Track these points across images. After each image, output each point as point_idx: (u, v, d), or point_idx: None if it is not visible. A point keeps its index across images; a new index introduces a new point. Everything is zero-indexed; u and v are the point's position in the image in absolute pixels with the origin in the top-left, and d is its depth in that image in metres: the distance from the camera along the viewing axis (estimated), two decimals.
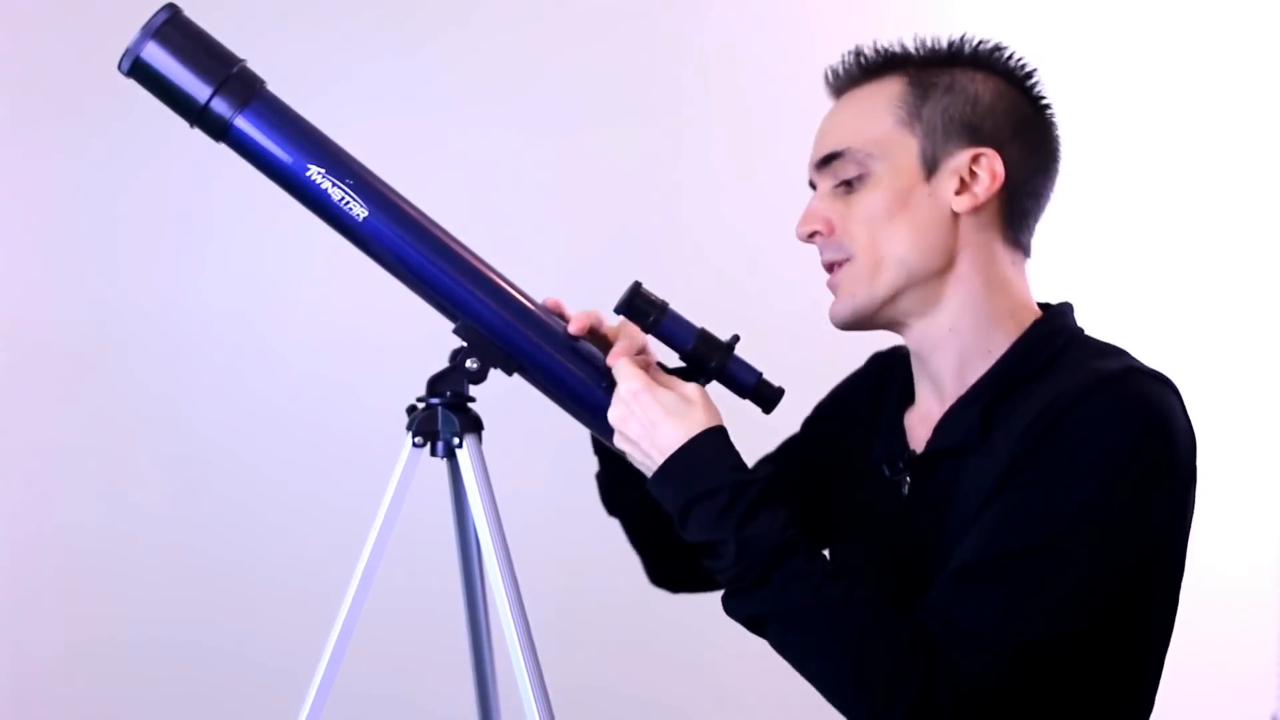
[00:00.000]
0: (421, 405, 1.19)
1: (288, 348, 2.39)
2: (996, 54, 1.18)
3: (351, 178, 1.14)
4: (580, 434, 1.30)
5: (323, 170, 1.13)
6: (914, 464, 1.18)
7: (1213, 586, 2.38)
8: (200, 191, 2.37)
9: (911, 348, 1.21)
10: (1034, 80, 1.19)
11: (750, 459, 1.38)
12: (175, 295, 2.39)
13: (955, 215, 1.14)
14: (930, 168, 1.14)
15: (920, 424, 1.21)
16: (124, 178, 2.36)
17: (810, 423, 1.41)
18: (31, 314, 2.36)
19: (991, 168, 1.14)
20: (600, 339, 1.21)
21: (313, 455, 2.37)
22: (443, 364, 1.18)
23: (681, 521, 1.08)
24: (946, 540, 1.10)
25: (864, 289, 1.16)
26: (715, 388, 1.20)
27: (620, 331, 1.21)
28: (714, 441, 1.09)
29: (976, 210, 1.14)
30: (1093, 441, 1.02)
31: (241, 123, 1.12)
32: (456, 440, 1.17)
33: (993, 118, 1.15)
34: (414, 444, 1.18)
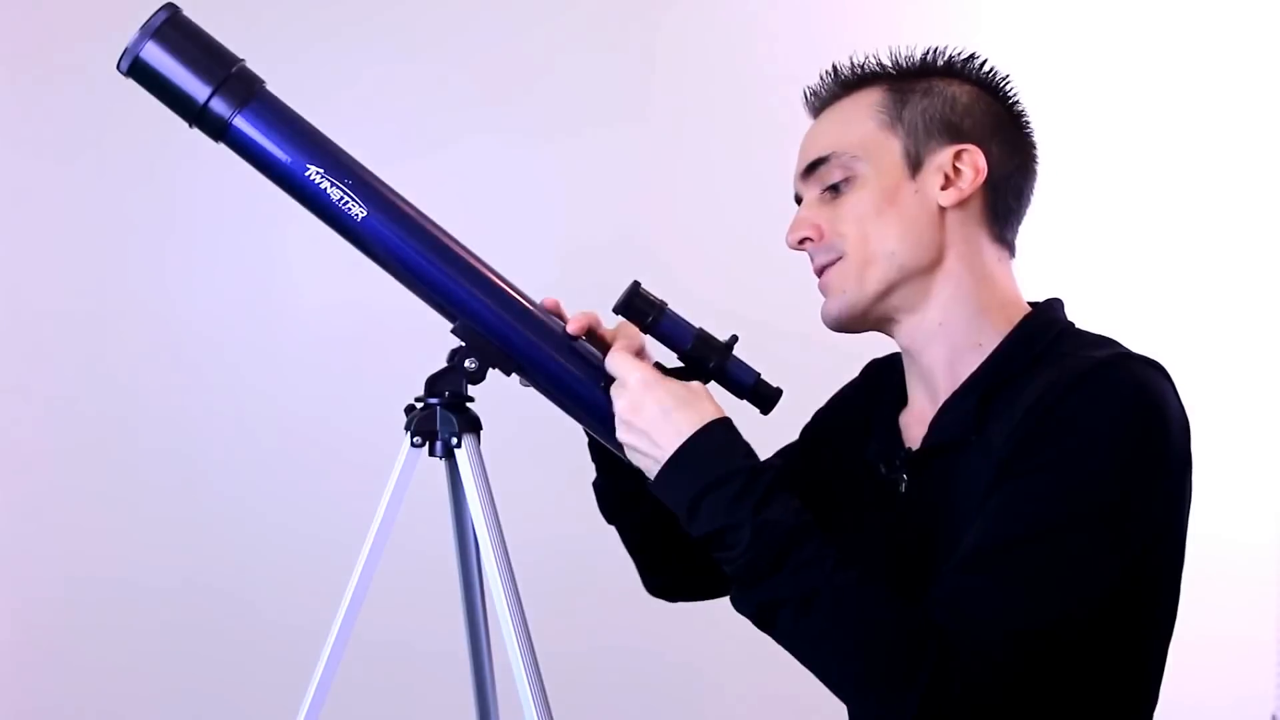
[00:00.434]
0: (420, 405, 1.19)
1: (287, 347, 2.40)
2: (970, 63, 1.20)
3: (350, 178, 1.13)
4: (579, 434, 1.30)
5: (322, 170, 1.13)
6: (910, 461, 1.19)
7: (1213, 579, 2.38)
8: (199, 192, 2.37)
9: (903, 345, 1.22)
10: (1008, 87, 1.21)
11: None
12: (175, 295, 2.39)
13: (941, 210, 1.16)
14: (914, 166, 1.16)
15: (915, 423, 1.21)
16: (124, 177, 2.36)
17: (808, 430, 1.41)
18: (32, 313, 2.36)
19: (974, 162, 1.15)
20: (599, 339, 1.21)
21: (312, 455, 2.38)
22: (441, 364, 1.18)
23: (692, 511, 1.07)
24: (945, 536, 1.10)
25: (855, 284, 1.17)
26: (714, 388, 1.20)
27: (619, 332, 1.21)
28: (725, 430, 1.09)
29: (962, 205, 1.16)
30: (1087, 428, 1.03)
31: (240, 123, 1.11)
32: (455, 440, 1.17)
33: (971, 117, 1.17)
34: (413, 444, 1.17)
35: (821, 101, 1.24)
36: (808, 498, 1.31)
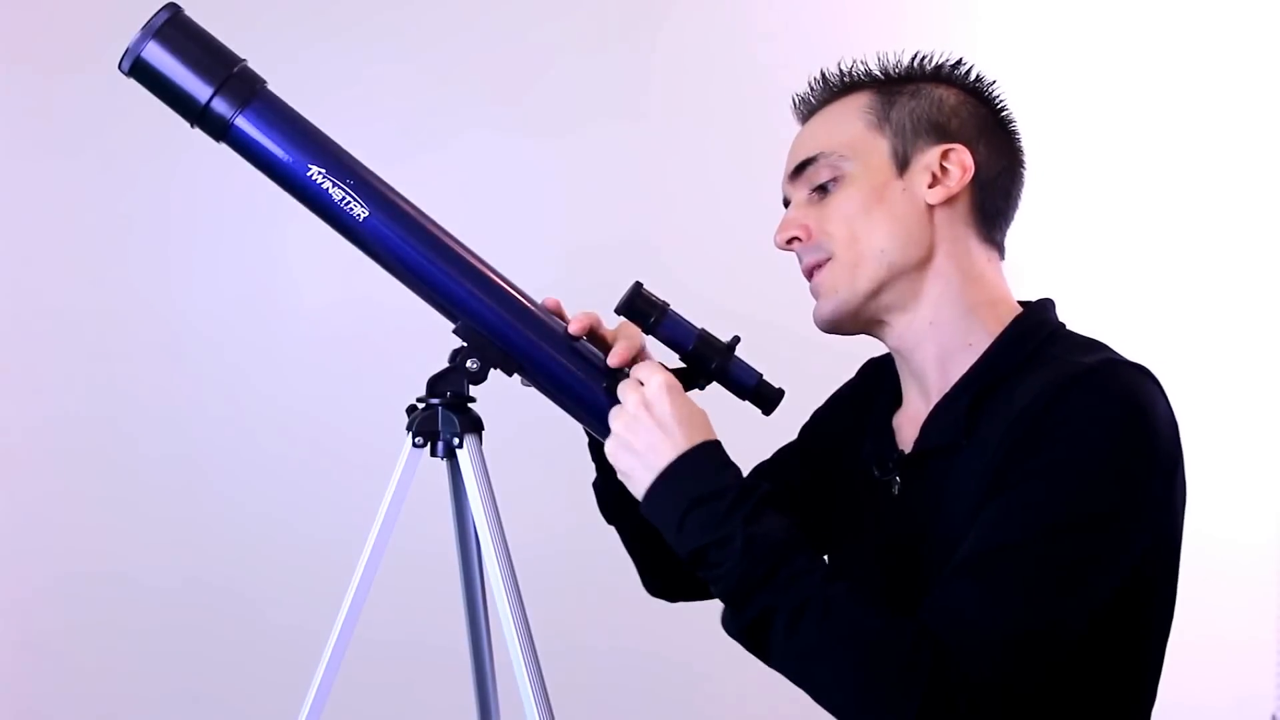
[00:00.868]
0: (421, 405, 1.19)
1: (288, 348, 2.40)
2: (957, 68, 1.21)
3: (352, 178, 1.13)
4: (580, 434, 1.30)
5: (323, 170, 1.13)
6: (903, 464, 1.19)
7: (1213, 579, 2.39)
8: (200, 192, 2.37)
9: (893, 346, 1.22)
10: (995, 91, 1.22)
11: (750, 460, 1.39)
12: (176, 295, 2.39)
13: (930, 209, 1.16)
14: (902, 165, 1.17)
15: (909, 424, 1.21)
16: (124, 177, 2.36)
17: (807, 430, 1.42)
18: (32, 311, 2.36)
19: (961, 161, 1.16)
20: (600, 340, 1.21)
21: (314, 455, 2.38)
22: (443, 364, 1.18)
23: (680, 526, 1.06)
24: (938, 539, 1.10)
25: (846, 284, 1.17)
26: (714, 388, 1.20)
27: (620, 332, 1.21)
28: (718, 451, 1.10)
29: (950, 204, 1.17)
30: (1075, 435, 1.03)
31: (242, 123, 1.11)
32: (457, 440, 1.17)
33: (958, 118, 1.18)
34: (414, 444, 1.17)
35: (810, 107, 1.25)
36: (805, 502, 1.32)
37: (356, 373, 2.38)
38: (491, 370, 1.18)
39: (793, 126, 1.27)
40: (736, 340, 1.19)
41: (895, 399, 1.26)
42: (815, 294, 1.20)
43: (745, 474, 1.37)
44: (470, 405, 1.19)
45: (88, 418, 2.35)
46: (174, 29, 1.10)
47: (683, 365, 1.20)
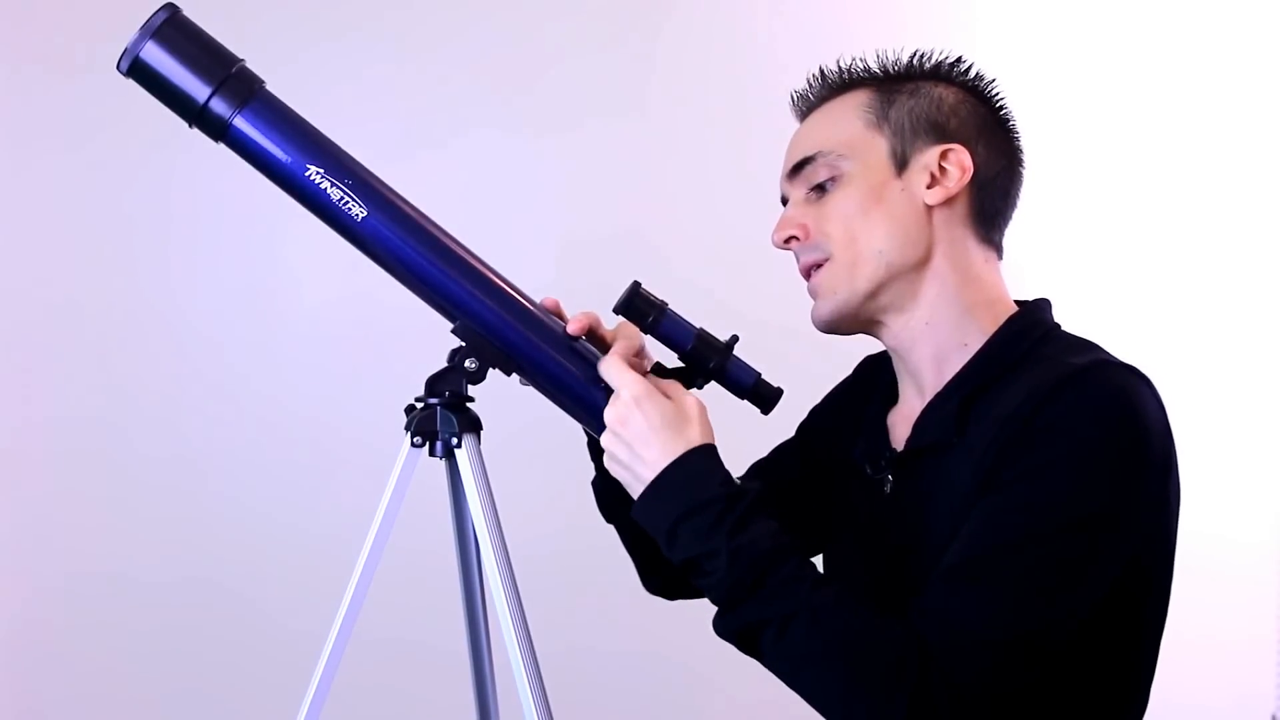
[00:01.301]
0: (420, 405, 1.19)
1: (287, 347, 2.40)
2: (956, 66, 1.21)
3: (350, 178, 1.13)
4: (579, 434, 1.30)
5: (322, 170, 1.13)
6: (895, 462, 1.19)
7: (1213, 579, 2.39)
8: (199, 192, 2.37)
9: (890, 345, 1.22)
10: (994, 90, 1.22)
11: (748, 460, 1.39)
12: (175, 295, 2.39)
13: (928, 209, 1.16)
14: (900, 164, 1.16)
15: (903, 422, 1.21)
16: (124, 178, 2.36)
17: (804, 427, 1.42)
18: (32, 310, 2.36)
19: (960, 161, 1.16)
20: (599, 339, 1.21)
21: (312, 455, 2.38)
22: (441, 364, 1.18)
23: (670, 538, 1.07)
24: (929, 538, 1.11)
25: (845, 285, 1.17)
26: (713, 387, 1.20)
27: (619, 332, 1.21)
28: (705, 458, 1.09)
29: (948, 204, 1.16)
30: (1064, 436, 1.03)
31: (240, 123, 1.11)
32: (455, 440, 1.17)
33: (957, 117, 1.18)
34: (413, 444, 1.17)
35: (808, 104, 1.25)
36: (801, 499, 1.32)
37: (356, 372, 2.38)
38: (490, 370, 1.18)
39: (793, 123, 1.27)
40: (735, 339, 1.19)
41: (891, 397, 1.26)
42: (813, 294, 1.20)
43: (745, 471, 1.38)
44: (469, 405, 1.19)
45: (87, 417, 2.35)
46: (172, 29, 1.10)
47: (681, 364, 1.20)
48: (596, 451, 1.32)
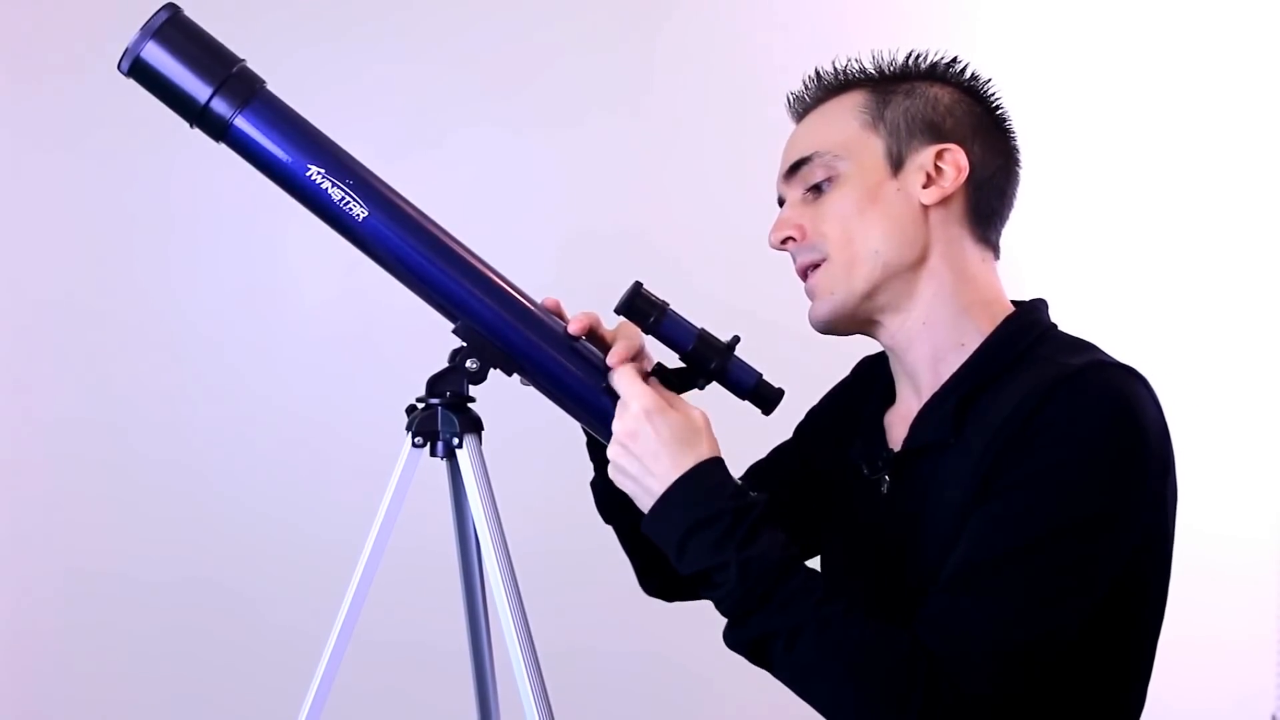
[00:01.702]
0: (421, 405, 1.19)
1: (288, 347, 2.40)
2: (952, 67, 1.21)
3: (351, 178, 1.13)
4: (580, 435, 1.30)
5: (323, 170, 1.12)
6: (892, 463, 1.19)
7: (1213, 578, 2.39)
8: (199, 192, 2.37)
9: (887, 345, 1.22)
10: (990, 90, 1.22)
11: (748, 461, 1.39)
12: (176, 295, 2.39)
13: (925, 209, 1.16)
14: (896, 165, 1.17)
15: (900, 422, 1.21)
16: (124, 178, 2.36)
17: (801, 428, 1.42)
18: (32, 310, 2.36)
19: (956, 161, 1.16)
20: (599, 340, 1.21)
21: (313, 455, 2.38)
22: (442, 364, 1.18)
23: (680, 550, 1.07)
24: (926, 538, 1.11)
25: (842, 285, 1.17)
26: (714, 388, 1.20)
27: (619, 332, 1.21)
28: (713, 471, 1.09)
29: (945, 204, 1.16)
30: (1062, 439, 1.03)
31: (241, 123, 1.11)
32: (456, 440, 1.17)
33: (953, 117, 1.18)
34: (414, 444, 1.17)
35: (804, 105, 1.25)
36: (798, 501, 1.32)
37: (356, 373, 2.38)
38: (491, 370, 1.18)
39: (793, 122, 1.27)
40: (736, 340, 1.19)
41: (888, 397, 1.26)
42: (810, 295, 1.20)
43: (743, 473, 1.38)
44: (470, 405, 1.19)
45: (87, 418, 2.35)
46: (173, 29, 1.10)
47: (682, 365, 1.20)
48: (595, 452, 1.32)
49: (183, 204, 2.38)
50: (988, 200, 1.19)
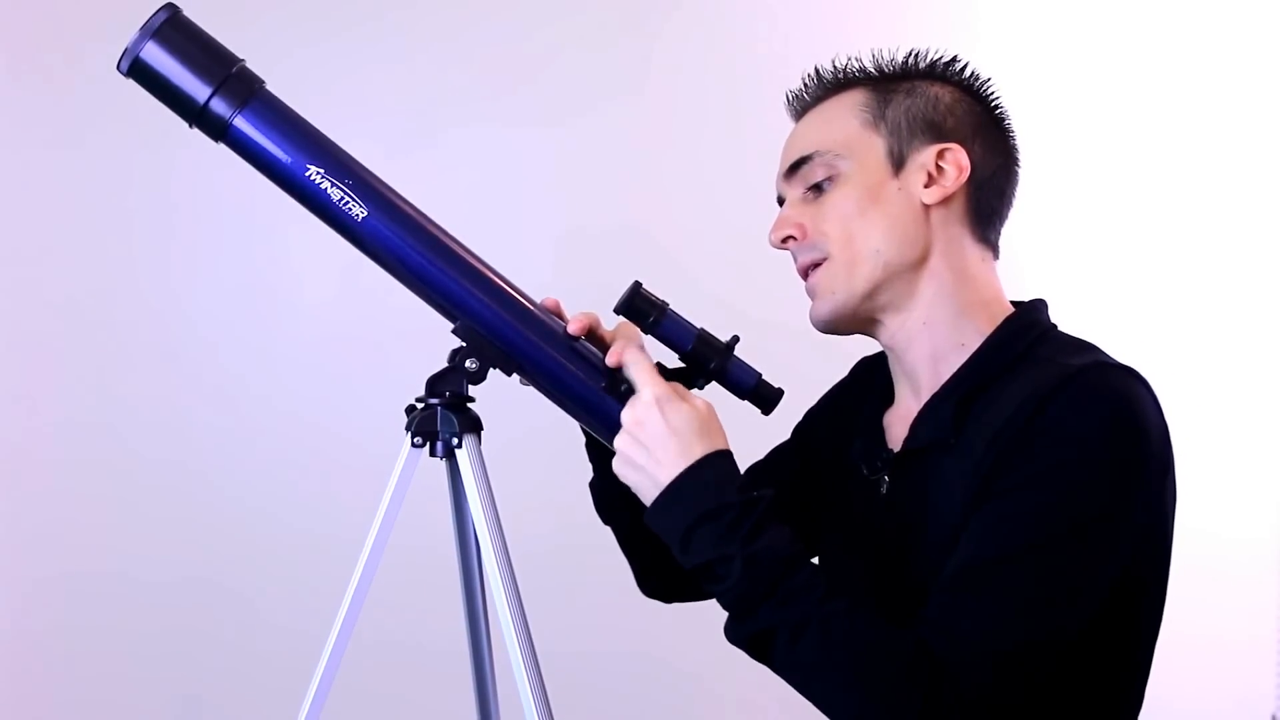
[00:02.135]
0: (421, 405, 1.19)
1: (287, 347, 2.40)
2: (952, 65, 1.21)
3: (351, 178, 1.13)
4: (580, 435, 1.30)
5: (322, 170, 1.12)
6: (891, 463, 1.19)
7: (1213, 578, 2.39)
8: (199, 192, 2.37)
9: (887, 345, 1.22)
10: (990, 89, 1.22)
11: (748, 460, 1.39)
12: (176, 295, 2.39)
13: (925, 209, 1.16)
14: (898, 164, 1.17)
15: (899, 422, 1.21)
16: (123, 178, 2.36)
17: (800, 429, 1.42)
18: (32, 310, 2.36)
19: (957, 161, 1.16)
20: (599, 340, 1.21)
21: (312, 455, 2.38)
22: (442, 364, 1.18)
23: (684, 543, 1.06)
24: (925, 538, 1.11)
25: (843, 285, 1.17)
26: (714, 388, 1.20)
27: (619, 332, 1.21)
28: (722, 463, 1.08)
29: (945, 203, 1.16)
30: (1063, 440, 1.03)
31: (240, 123, 1.11)
32: (456, 440, 1.17)
33: (954, 116, 1.18)
34: (413, 444, 1.17)
35: (804, 104, 1.25)
36: (797, 501, 1.31)
37: (356, 373, 2.38)
38: (491, 370, 1.18)
39: (791, 120, 1.27)
40: (735, 340, 1.19)
41: (887, 397, 1.26)
42: (811, 294, 1.20)
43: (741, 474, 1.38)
44: (469, 405, 1.19)
45: (87, 419, 2.35)
46: (172, 29, 1.10)
47: (682, 365, 1.20)
48: (594, 452, 1.32)
49: (183, 204, 2.38)
50: (988, 200, 1.19)
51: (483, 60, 2.44)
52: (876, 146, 1.17)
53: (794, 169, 1.20)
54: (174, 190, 2.37)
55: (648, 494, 1.09)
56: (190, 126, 1.14)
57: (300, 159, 1.12)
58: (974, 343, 1.16)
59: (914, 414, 1.18)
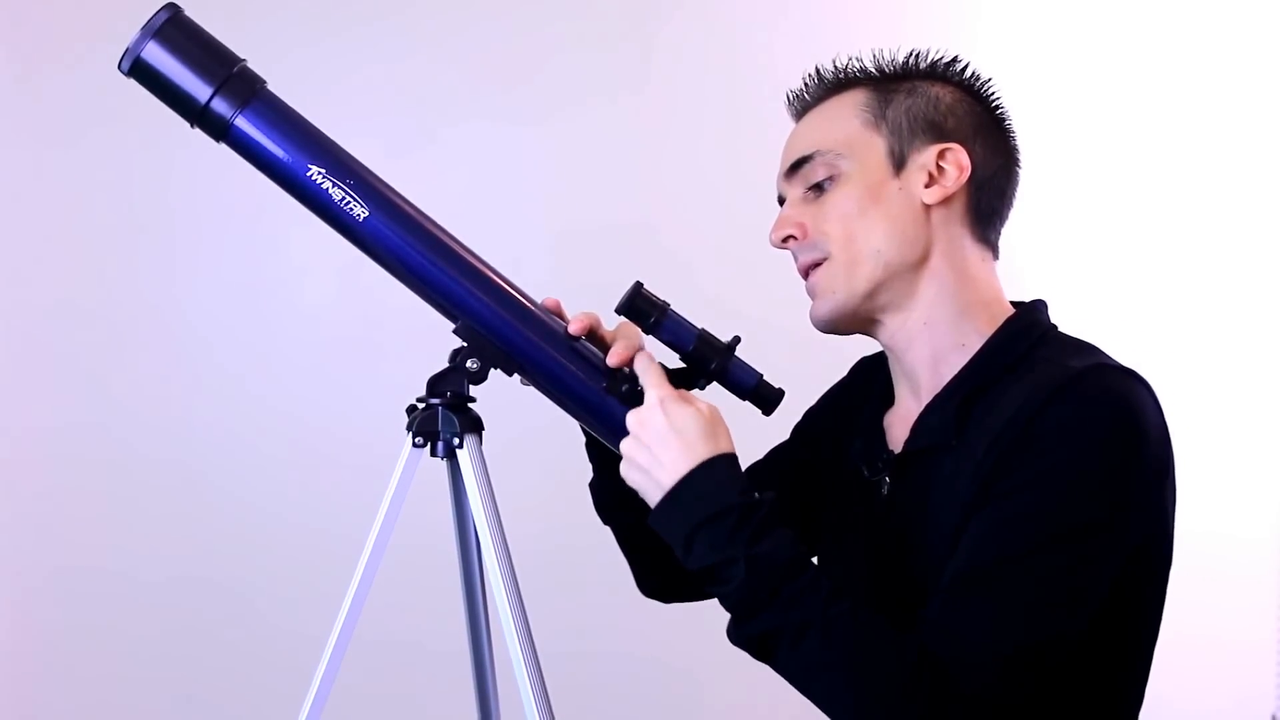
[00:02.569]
0: (421, 405, 1.19)
1: (288, 347, 2.40)
2: (952, 66, 1.21)
3: (352, 178, 1.13)
4: (581, 435, 1.30)
5: (323, 170, 1.12)
6: (892, 464, 1.19)
7: (1213, 578, 2.39)
8: (199, 192, 2.37)
9: (887, 345, 1.22)
10: (990, 89, 1.22)
11: (748, 460, 1.39)
12: (176, 295, 2.39)
13: (926, 209, 1.16)
14: (898, 164, 1.17)
15: (899, 423, 1.21)
16: (123, 178, 2.36)
17: (799, 429, 1.41)
18: (32, 310, 2.36)
19: (958, 161, 1.16)
20: (600, 340, 1.21)
21: (313, 456, 2.38)
22: (443, 364, 1.18)
23: (687, 545, 1.06)
24: (926, 539, 1.11)
25: (843, 284, 1.17)
26: (715, 388, 1.20)
27: (619, 332, 1.21)
28: (726, 466, 1.08)
29: (946, 203, 1.16)
30: (1063, 442, 1.03)
31: (242, 123, 1.11)
32: (457, 440, 1.17)
33: (955, 117, 1.18)
34: (414, 444, 1.17)
35: (804, 104, 1.25)
36: (797, 502, 1.32)
37: (356, 372, 2.38)
38: (491, 370, 1.18)
39: (791, 120, 1.27)
40: (736, 340, 1.19)
41: (887, 398, 1.26)
42: (811, 294, 1.20)
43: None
44: (470, 405, 1.19)
45: (86, 418, 2.35)
46: (174, 29, 1.10)
47: (683, 365, 1.20)
48: (594, 452, 1.32)
49: (183, 204, 2.38)
50: (988, 200, 1.19)
51: (482, 59, 2.44)
52: (877, 146, 1.17)
53: (794, 168, 1.20)
54: (174, 190, 2.37)
55: (651, 496, 1.09)
56: (191, 126, 1.14)
57: (301, 159, 1.12)
58: (974, 343, 1.16)
59: (914, 415, 1.18)
